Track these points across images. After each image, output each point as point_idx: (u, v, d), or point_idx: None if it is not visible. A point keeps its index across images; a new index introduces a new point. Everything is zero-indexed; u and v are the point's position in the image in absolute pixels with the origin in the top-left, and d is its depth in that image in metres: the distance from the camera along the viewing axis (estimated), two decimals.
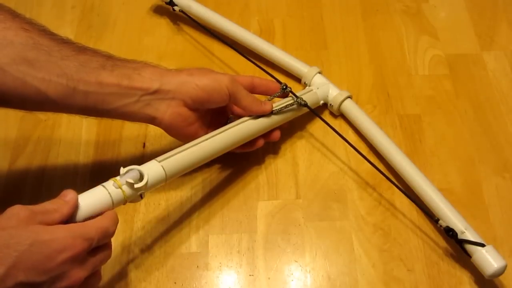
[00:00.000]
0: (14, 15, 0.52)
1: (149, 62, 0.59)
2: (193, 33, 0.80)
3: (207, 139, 0.58)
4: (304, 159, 0.67)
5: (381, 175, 0.63)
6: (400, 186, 0.61)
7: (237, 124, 0.60)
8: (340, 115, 0.71)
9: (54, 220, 0.44)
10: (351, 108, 0.68)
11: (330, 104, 0.70)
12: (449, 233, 0.56)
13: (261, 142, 0.63)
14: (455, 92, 0.73)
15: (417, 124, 0.70)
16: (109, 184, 0.50)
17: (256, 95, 0.63)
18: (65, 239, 0.42)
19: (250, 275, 0.59)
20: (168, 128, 0.58)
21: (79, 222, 0.46)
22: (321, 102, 0.70)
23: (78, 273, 0.43)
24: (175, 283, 0.59)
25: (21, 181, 0.66)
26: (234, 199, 0.65)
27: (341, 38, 0.79)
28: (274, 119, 0.63)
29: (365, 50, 0.77)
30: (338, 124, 0.70)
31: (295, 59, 0.73)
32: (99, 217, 0.47)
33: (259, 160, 0.68)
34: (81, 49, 0.55)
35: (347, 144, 0.66)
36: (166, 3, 0.79)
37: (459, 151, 0.68)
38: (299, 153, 0.68)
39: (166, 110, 0.56)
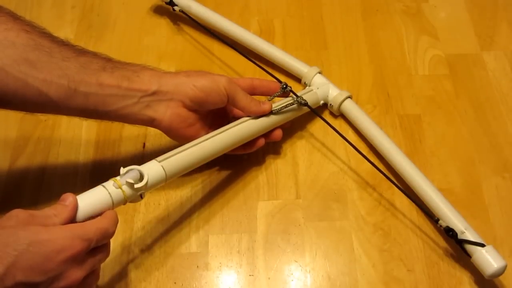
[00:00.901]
0: (15, 17, 0.52)
1: (147, 65, 0.60)
2: (193, 33, 0.80)
3: (207, 139, 0.58)
4: (304, 159, 0.68)
5: (381, 175, 0.63)
6: (400, 186, 0.61)
7: (237, 124, 0.60)
8: (340, 115, 0.71)
9: (54, 224, 0.44)
10: (351, 108, 0.68)
11: (330, 104, 0.70)
12: (449, 233, 0.56)
13: (261, 142, 0.63)
14: (455, 92, 0.73)
15: (417, 124, 0.70)
16: (109, 184, 0.50)
17: (256, 96, 0.63)
18: (63, 240, 0.42)
19: (250, 275, 0.59)
20: (168, 130, 0.58)
21: (79, 222, 0.47)
22: (321, 102, 0.70)
23: (76, 273, 0.43)
24: (175, 283, 0.59)
25: (21, 181, 0.66)
26: (234, 199, 0.65)
27: (341, 38, 0.79)
28: (275, 119, 0.63)
29: (365, 50, 0.77)
30: (338, 124, 0.70)
31: (295, 59, 0.73)
32: (98, 218, 0.47)
33: (259, 160, 0.68)
34: (81, 51, 0.55)
35: (347, 144, 0.66)
36: (166, 3, 0.79)
37: (459, 151, 0.68)
38: (299, 153, 0.68)
39: (165, 111, 0.57)
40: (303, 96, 0.66)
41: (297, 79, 0.73)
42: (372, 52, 0.77)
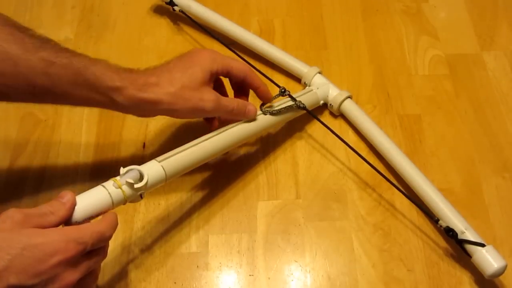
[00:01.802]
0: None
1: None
2: (193, 33, 0.80)
3: (207, 139, 0.58)
4: (304, 159, 0.67)
5: (380, 176, 0.64)
6: (399, 187, 0.61)
7: (237, 125, 0.60)
8: (340, 115, 0.71)
9: (51, 223, 0.44)
10: (351, 108, 0.68)
11: (330, 104, 0.70)
12: (449, 233, 0.56)
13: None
14: (455, 92, 0.73)
15: (417, 124, 0.70)
16: (109, 184, 0.50)
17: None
18: (57, 243, 0.42)
19: (250, 275, 0.59)
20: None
21: (79, 222, 0.46)
22: (321, 102, 0.70)
23: (71, 276, 0.43)
24: (175, 283, 0.59)
25: (21, 181, 0.66)
26: (234, 199, 0.65)
27: (341, 38, 0.79)
28: (274, 120, 0.63)
29: (365, 50, 0.77)
30: (338, 124, 0.70)
31: (295, 59, 0.73)
32: (96, 221, 0.47)
33: (259, 160, 0.68)
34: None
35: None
36: (166, 3, 0.79)
37: (459, 151, 0.68)
38: (299, 153, 0.68)
39: None
40: (302, 96, 0.66)
41: (297, 79, 0.73)
42: (372, 52, 0.77)
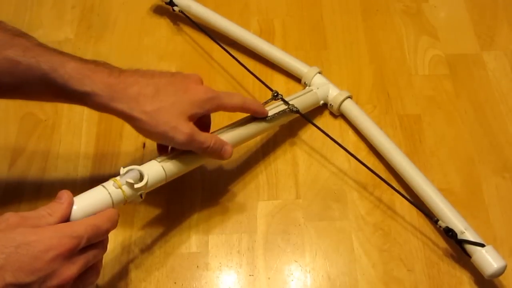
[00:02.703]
0: None
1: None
2: (193, 34, 0.80)
3: None
4: (304, 159, 0.68)
5: (381, 175, 0.63)
6: (396, 188, 0.61)
7: (236, 126, 0.60)
8: (340, 115, 0.71)
9: (49, 224, 0.44)
10: (351, 108, 0.68)
11: (330, 104, 0.70)
12: (448, 234, 0.56)
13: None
14: (455, 92, 0.73)
15: (417, 124, 0.70)
16: (109, 184, 0.50)
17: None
18: (51, 239, 0.42)
19: (250, 275, 0.59)
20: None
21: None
22: (321, 102, 0.70)
23: (68, 271, 0.43)
24: (175, 283, 0.59)
25: (21, 181, 0.66)
26: (234, 199, 0.65)
27: (341, 38, 0.79)
28: (270, 124, 0.63)
29: (365, 50, 0.77)
30: (338, 124, 0.70)
31: (295, 59, 0.73)
32: (91, 216, 0.47)
33: (259, 160, 0.68)
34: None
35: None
36: (166, 3, 0.79)
37: (459, 151, 0.68)
38: (299, 153, 0.68)
39: None
40: (302, 96, 0.66)
41: (297, 79, 0.73)
42: (372, 52, 0.77)
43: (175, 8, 0.77)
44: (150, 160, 0.54)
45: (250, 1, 0.83)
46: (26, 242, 0.41)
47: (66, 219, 0.46)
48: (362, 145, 0.68)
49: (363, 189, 0.65)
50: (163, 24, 0.81)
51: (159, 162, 0.54)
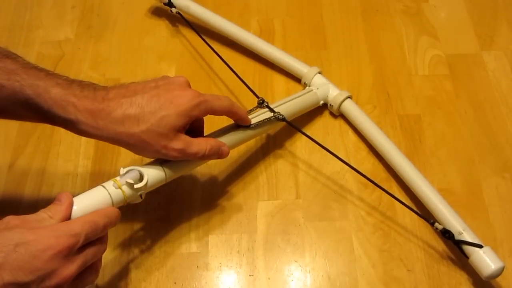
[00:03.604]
0: None
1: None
2: (191, 35, 0.79)
3: None
4: (304, 159, 0.68)
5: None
6: (391, 193, 0.60)
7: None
8: (340, 115, 0.71)
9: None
10: (351, 108, 0.68)
11: (330, 104, 0.70)
12: (445, 235, 0.56)
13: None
14: (455, 92, 0.73)
15: (417, 124, 0.70)
16: (109, 184, 0.50)
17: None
18: (48, 238, 0.42)
19: (250, 275, 0.59)
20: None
21: None
22: (321, 102, 0.70)
23: (67, 270, 0.43)
24: (175, 283, 0.59)
25: (21, 181, 0.66)
26: (234, 199, 0.65)
27: (341, 38, 0.79)
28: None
29: (365, 50, 0.77)
30: (338, 124, 0.70)
31: (295, 59, 0.73)
32: (88, 213, 0.47)
33: (259, 160, 0.68)
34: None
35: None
36: (165, 4, 0.78)
37: (459, 151, 0.68)
38: (299, 153, 0.68)
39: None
40: (302, 96, 0.66)
41: (297, 79, 0.73)
42: (372, 52, 0.77)
43: (172, 9, 0.77)
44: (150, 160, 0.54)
45: (250, 1, 0.83)
46: (25, 241, 0.41)
47: (66, 220, 0.46)
48: (362, 145, 0.68)
49: (363, 189, 0.65)
50: (163, 25, 0.81)
51: (159, 162, 0.54)
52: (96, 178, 0.66)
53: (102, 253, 0.48)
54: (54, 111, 0.49)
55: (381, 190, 0.63)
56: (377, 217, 0.63)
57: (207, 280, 0.59)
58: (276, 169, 0.67)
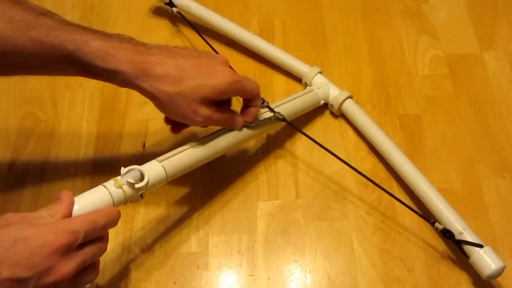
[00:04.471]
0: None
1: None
2: (192, 34, 0.79)
3: (208, 139, 0.58)
4: (304, 159, 0.68)
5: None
6: (391, 193, 0.60)
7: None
8: (341, 115, 0.71)
9: None
10: (351, 108, 0.68)
11: (331, 104, 0.70)
12: (446, 235, 0.56)
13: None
14: (455, 92, 0.73)
15: (417, 124, 0.70)
16: (110, 184, 0.50)
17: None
18: (47, 234, 0.42)
19: (250, 275, 0.59)
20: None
21: None
22: (322, 102, 0.70)
23: (66, 268, 0.43)
24: (175, 283, 0.59)
25: (21, 181, 0.66)
26: (234, 199, 0.65)
27: (341, 38, 0.79)
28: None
29: (365, 50, 0.77)
30: (338, 124, 0.70)
31: (295, 59, 0.73)
32: (90, 212, 0.47)
33: (259, 160, 0.68)
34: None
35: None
36: (165, 3, 0.78)
37: (459, 151, 0.68)
38: (299, 153, 0.68)
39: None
40: (302, 96, 0.66)
41: (298, 79, 0.73)
42: (372, 52, 0.77)
43: (173, 9, 0.77)
44: (150, 160, 0.54)
45: (250, 1, 0.83)
46: (24, 237, 0.41)
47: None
48: (362, 145, 0.68)
49: (363, 189, 0.65)
50: (163, 25, 0.81)
51: (160, 162, 0.54)
52: (96, 178, 0.66)
53: (103, 252, 0.48)
54: (95, 62, 0.51)
55: (381, 190, 0.63)
56: (377, 217, 0.63)
57: (207, 280, 0.59)
58: (276, 169, 0.67)
